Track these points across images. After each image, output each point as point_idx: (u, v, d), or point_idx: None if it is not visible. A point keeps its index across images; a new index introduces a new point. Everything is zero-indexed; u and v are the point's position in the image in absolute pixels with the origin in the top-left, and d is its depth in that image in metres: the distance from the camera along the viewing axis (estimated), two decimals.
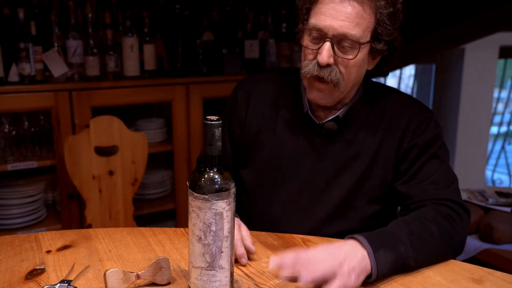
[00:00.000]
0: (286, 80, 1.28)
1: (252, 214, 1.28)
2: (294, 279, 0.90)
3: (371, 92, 1.23)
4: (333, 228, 1.19)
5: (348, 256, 0.93)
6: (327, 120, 1.20)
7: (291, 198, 1.22)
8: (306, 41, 1.13)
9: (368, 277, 0.95)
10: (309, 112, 1.21)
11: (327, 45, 1.07)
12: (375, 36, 1.10)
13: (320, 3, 1.09)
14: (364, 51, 1.10)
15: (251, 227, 1.23)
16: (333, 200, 1.19)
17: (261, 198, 1.26)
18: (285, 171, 1.23)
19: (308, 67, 1.11)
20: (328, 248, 0.95)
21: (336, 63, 1.09)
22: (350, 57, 1.08)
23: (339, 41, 1.07)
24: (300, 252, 0.92)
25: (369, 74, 1.21)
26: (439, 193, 1.12)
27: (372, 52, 1.13)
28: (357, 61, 1.10)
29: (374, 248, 0.96)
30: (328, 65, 1.09)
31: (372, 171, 1.18)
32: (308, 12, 1.12)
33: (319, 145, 1.21)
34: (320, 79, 1.11)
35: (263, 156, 1.26)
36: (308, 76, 1.12)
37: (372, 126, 1.19)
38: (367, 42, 1.09)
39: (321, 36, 1.08)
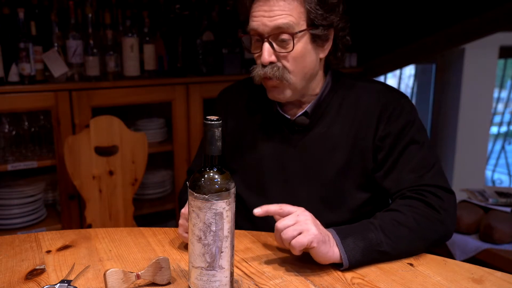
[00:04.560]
0: (256, 86, 1.30)
1: (249, 218, 1.29)
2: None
3: (341, 84, 1.25)
4: (324, 220, 1.19)
5: (320, 228, 1.00)
6: (297, 116, 1.23)
7: (280, 197, 1.23)
8: (252, 48, 1.19)
9: (341, 265, 1.01)
10: (279, 109, 1.25)
11: (266, 45, 1.13)
12: (311, 23, 1.13)
13: (252, 8, 1.15)
14: (304, 41, 1.14)
15: (250, 229, 1.25)
16: (320, 193, 1.21)
17: (252, 202, 1.28)
18: (269, 172, 1.25)
19: (255, 70, 1.17)
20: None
21: (279, 59, 1.14)
22: (289, 49, 1.12)
23: (276, 36, 1.12)
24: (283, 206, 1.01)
25: (329, 62, 1.24)
26: (418, 181, 1.14)
27: (315, 40, 1.15)
28: (298, 52, 1.13)
29: (342, 237, 1.02)
30: (271, 63, 1.14)
31: (353, 161, 1.20)
32: (248, 21, 1.18)
33: (296, 141, 1.24)
34: (269, 78, 1.16)
35: (246, 163, 1.29)
36: (258, 79, 1.17)
37: (346, 117, 1.21)
38: (302, 31, 1.12)
39: (260, 38, 1.14)
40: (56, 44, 2.21)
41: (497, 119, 4.68)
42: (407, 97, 1.24)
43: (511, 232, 2.34)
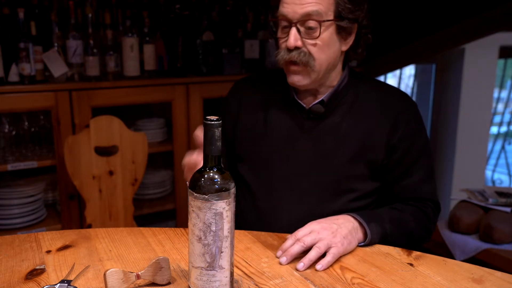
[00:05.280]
0: (273, 76, 1.37)
1: (256, 205, 1.32)
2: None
3: (357, 80, 1.31)
4: (330, 207, 1.24)
5: (340, 226, 1.10)
6: (313, 103, 1.27)
7: (289, 182, 1.27)
8: (279, 33, 1.23)
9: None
10: (295, 97, 1.28)
11: (293, 30, 1.17)
12: (338, 15, 1.18)
13: None
14: (330, 30, 1.18)
15: (257, 217, 1.30)
16: (327, 180, 1.25)
17: (260, 188, 1.31)
18: (280, 157, 1.28)
19: (280, 53, 1.22)
20: (320, 222, 1.11)
21: (304, 44, 1.18)
22: (315, 37, 1.17)
23: (304, 23, 1.16)
24: (296, 233, 1.08)
25: (348, 58, 1.29)
26: (424, 193, 1.28)
27: (340, 32, 1.20)
28: (324, 40, 1.18)
29: (367, 221, 1.14)
30: (296, 48, 1.18)
31: (362, 153, 1.24)
32: (278, 6, 1.22)
33: (309, 128, 1.27)
34: (293, 62, 1.20)
35: (257, 147, 1.32)
36: (282, 62, 1.22)
37: (360, 111, 1.26)
38: (330, 21, 1.17)
39: (288, 24, 1.18)
40: (56, 44, 2.21)
41: (497, 119, 4.68)
42: (416, 104, 1.32)
43: (511, 232, 2.34)
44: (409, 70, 4.14)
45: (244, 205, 1.33)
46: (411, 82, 4.13)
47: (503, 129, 4.86)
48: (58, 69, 2.19)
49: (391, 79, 4.39)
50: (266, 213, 1.28)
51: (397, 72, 4.08)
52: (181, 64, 2.45)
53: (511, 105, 4.73)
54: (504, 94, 4.64)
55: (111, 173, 2.22)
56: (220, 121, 0.84)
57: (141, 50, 2.36)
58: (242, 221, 1.31)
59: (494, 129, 4.64)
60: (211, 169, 0.86)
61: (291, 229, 1.12)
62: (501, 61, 4.04)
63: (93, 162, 2.17)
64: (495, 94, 4.09)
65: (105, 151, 2.21)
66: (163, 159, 2.63)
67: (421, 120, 1.30)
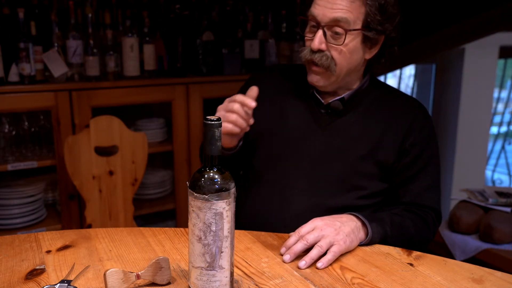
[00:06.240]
0: (293, 70, 1.40)
1: (264, 193, 1.32)
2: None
3: (377, 86, 1.34)
4: (338, 201, 1.26)
5: (343, 224, 1.10)
6: (333, 100, 1.29)
7: (299, 173, 1.29)
8: (306, 31, 1.26)
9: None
10: (314, 92, 1.30)
11: (320, 32, 1.19)
12: (366, 25, 1.19)
13: None
14: (355, 39, 1.20)
15: (263, 206, 1.30)
16: (338, 174, 1.27)
17: (269, 177, 1.32)
18: (293, 147, 1.30)
19: (304, 52, 1.25)
20: (324, 219, 1.11)
21: (328, 48, 1.21)
22: (340, 43, 1.19)
23: (331, 27, 1.18)
24: (299, 230, 1.08)
25: (371, 65, 1.31)
26: (427, 200, 1.28)
27: (365, 41, 1.22)
28: (348, 47, 1.20)
29: (369, 220, 1.14)
30: (320, 50, 1.20)
31: (374, 152, 1.26)
32: (309, 6, 1.24)
33: (325, 122, 1.30)
34: (314, 63, 1.23)
35: (271, 136, 1.34)
36: (304, 60, 1.25)
37: (378, 112, 1.29)
38: (357, 30, 1.19)
39: (316, 25, 1.20)
40: (56, 44, 2.21)
41: (497, 119, 4.69)
42: (430, 115, 1.36)
43: (511, 232, 2.34)
44: (409, 70, 4.14)
45: (251, 193, 1.34)
46: (411, 82, 4.13)
47: (503, 129, 4.86)
48: (58, 69, 2.19)
49: (391, 79, 4.39)
50: (273, 201, 1.29)
51: (397, 72, 4.08)
52: (181, 64, 2.45)
53: (511, 105, 4.73)
54: (504, 94, 4.64)
55: (111, 173, 2.22)
56: (220, 121, 0.84)
57: (141, 50, 2.36)
58: (248, 210, 1.32)
59: (494, 129, 4.65)
60: (211, 169, 0.86)
61: (297, 221, 1.13)
62: (501, 61, 4.04)
63: (93, 162, 2.17)
64: (495, 94, 4.10)
65: (105, 151, 2.21)
66: (163, 159, 2.63)
67: (433, 130, 1.32)
